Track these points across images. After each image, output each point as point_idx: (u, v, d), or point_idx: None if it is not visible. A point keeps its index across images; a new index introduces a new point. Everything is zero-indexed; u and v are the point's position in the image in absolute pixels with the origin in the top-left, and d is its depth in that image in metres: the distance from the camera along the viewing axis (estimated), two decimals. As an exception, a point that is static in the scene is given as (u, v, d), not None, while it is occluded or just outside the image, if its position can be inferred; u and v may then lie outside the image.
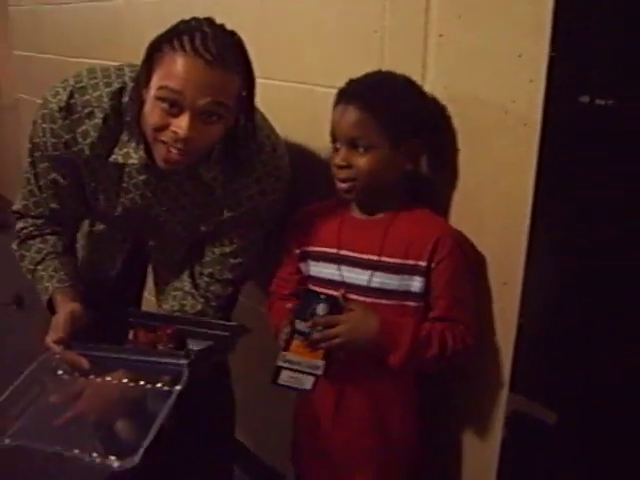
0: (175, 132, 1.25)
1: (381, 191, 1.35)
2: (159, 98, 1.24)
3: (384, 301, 1.33)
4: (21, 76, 3.59)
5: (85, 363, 1.29)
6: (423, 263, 1.31)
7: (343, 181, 1.33)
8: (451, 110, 1.33)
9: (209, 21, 1.27)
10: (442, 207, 1.38)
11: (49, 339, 1.33)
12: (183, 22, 1.28)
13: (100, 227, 1.61)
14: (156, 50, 1.26)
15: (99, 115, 1.38)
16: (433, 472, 1.52)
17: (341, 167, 1.32)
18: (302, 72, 1.66)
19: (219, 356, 1.49)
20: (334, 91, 1.37)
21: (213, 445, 1.82)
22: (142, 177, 1.43)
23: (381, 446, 1.40)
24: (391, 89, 1.32)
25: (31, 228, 1.54)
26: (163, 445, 1.15)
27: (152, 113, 1.27)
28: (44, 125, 1.42)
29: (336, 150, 1.34)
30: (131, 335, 1.42)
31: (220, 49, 1.22)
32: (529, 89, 1.18)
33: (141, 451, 1.06)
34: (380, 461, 1.41)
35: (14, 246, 1.57)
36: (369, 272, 1.34)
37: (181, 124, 1.24)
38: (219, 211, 1.49)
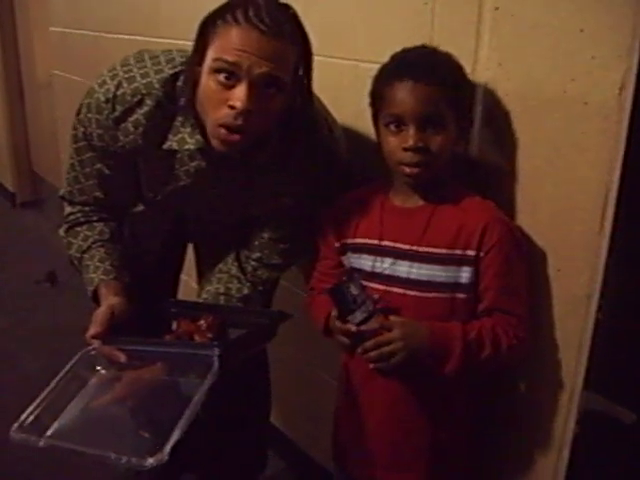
0: (233, 106, 1.20)
1: (440, 172, 1.28)
2: (215, 70, 1.20)
3: (432, 294, 1.27)
4: (57, 52, 3.57)
5: (122, 357, 1.28)
6: (472, 252, 1.24)
7: (416, 165, 1.24)
8: (505, 88, 1.27)
9: None
10: (495, 191, 1.32)
11: (88, 334, 1.31)
12: None
13: (141, 208, 1.58)
14: (209, 26, 1.22)
15: (149, 102, 1.34)
16: (499, 468, 1.47)
17: (416, 150, 1.22)
18: (347, 47, 1.60)
19: (259, 344, 1.46)
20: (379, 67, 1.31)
21: (247, 429, 1.81)
22: (194, 163, 1.39)
23: (433, 445, 1.35)
24: (449, 62, 1.26)
25: (79, 214, 1.51)
26: (198, 429, 1.14)
27: (207, 87, 1.22)
28: (89, 115, 1.38)
29: (395, 132, 1.24)
30: (174, 325, 1.39)
31: (275, 20, 1.18)
32: (591, 66, 1.12)
33: (168, 447, 1.04)
34: (430, 461, 1.36)
35: (61, 232, 1.54)
36: (415, 264, 1.27)
37: (239, 95, 1.19)
38: (272, 195, 1.45)
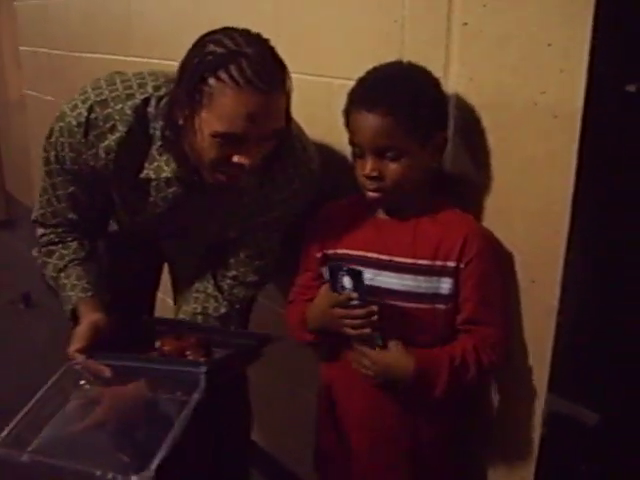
0: (240, 164, 1.22)
1: (409, 193, 1.29)
2: (219, 136, 1.20)
3: (412, 305, 1.28)
4: (28, 72, 3.55)
5: (107, 372, 1.27)
6: (452, 264, 1.26)
7: (374, 191, 1.26)
8: (477, 102, 1.28)
9: (242, 36, 1.20)
10: (469, 204, 1.33)
11: (71, 349, 1.30)
12: (213, 41, 1.19)
13: (116, 227, 1.57)
14: (200, 82, 1.18)
15: (121, 129, 1.33)
16: (468, 471, 1.47)
17: (372, 178, 1.25)
18: (319, 64, 1.61)
19: (243, 365, 1.47)
20: (352, 83, 1.32)
21: (228, 447, 1.79)
22: (171, 189, 1.39)
23: (412, 451, 1.36)
24: (411, 85, 1.24)
25: (52, 235, 1.50)
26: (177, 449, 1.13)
27: (208, 147, 1.22)
28: (61, 139, 1.36)
29: (359, 156, 1.27)
30: (158, 344, 1.38)
31: (268, 71, 1.18)
32: (560, 79, 1.13)
33: (155, 464, 1.04)
34: (411, 466, 1.37)
35: (35, 253, 1.53)
36: (397, 275, 1.29)
37: (246, 156, 1.22)
38: (249, 216, 1.45)
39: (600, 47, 1.00)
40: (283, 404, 2.05)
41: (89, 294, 1.42)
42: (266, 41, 1.23)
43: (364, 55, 1.45)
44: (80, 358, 1.29)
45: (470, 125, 1.30)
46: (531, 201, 1.23)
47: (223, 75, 1.16)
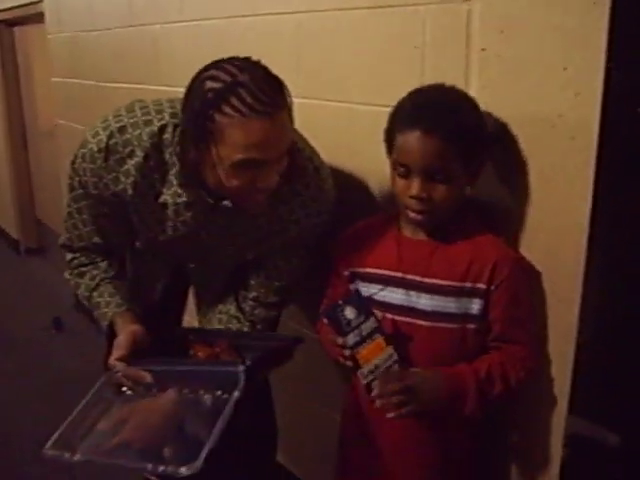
0: (265, 189, 1.29)
1: (447, 215, 1.30)
2: (239, 166, 1.24)
3: (443, 324, 1.29)
4: (59, 102, 3.64)
5: (148, 377, 1.32)
6: (482, 285, 1.27)
7: (419, 212, 1.27)
8: (496, 125, 1.30)
9: (234, 65, 1.22)
10: (490, 223, 1.34)
11: (111, 358, 1.35)
12: (209, 77, 1.22)
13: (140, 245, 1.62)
14: (206, 120, 1.21)
15: (139, 154, 1.37)
16: None
17: (420, 199, 1.24)
18: (340, 90, 1.65)
19: (276, 365, 1.48)
20: (373, 109, 1.35)
21: (254, 469, 1.80)
22: (189, 213, 1.43)
23: (442, 470, 1.36)
24: (464, 106, 1.25)
25: (82, 258, 1.56)
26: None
27: (232, 179, 1.27)
28: (84, 165, 1.42)
29: (403, 177, 1.26)
30: (191, 352, 1.44)
31: (268, 93, 1.20)
32: (576, 102, 1.16)
33: (203, 454, 1.09)
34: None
35: (67, 275, 1.59)
36: (427, 295, 1.30)
37: (268, 180, 1.27)
38: (265, 237, 1.49)
39: (615, 70, 1.02)
40: (308, 424, 2.06)
41: (124, 308, 1.48)
42: (257, 63, 1.25)
43: (385, 81, 1.49)
44: (120, 366, 1.34)
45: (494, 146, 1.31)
46: (552, 221, 1.25)
47: (226, 109, 1.19)
